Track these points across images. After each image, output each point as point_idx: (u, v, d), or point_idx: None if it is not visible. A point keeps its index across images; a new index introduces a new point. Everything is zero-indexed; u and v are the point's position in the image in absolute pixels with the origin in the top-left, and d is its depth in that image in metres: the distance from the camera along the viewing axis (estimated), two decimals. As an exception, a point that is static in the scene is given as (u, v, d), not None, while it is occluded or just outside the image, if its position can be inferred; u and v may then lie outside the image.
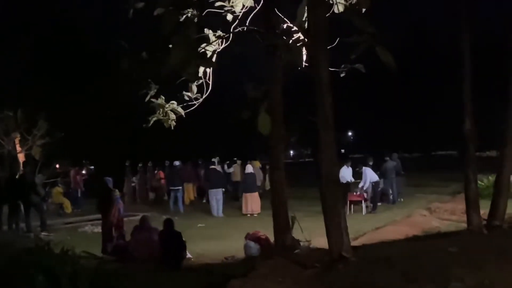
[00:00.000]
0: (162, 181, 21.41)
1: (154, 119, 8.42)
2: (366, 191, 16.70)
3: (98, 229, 12.48)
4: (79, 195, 20.76)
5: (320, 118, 6.21)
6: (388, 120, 46.94)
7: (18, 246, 8.15)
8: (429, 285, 4.61)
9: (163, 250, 9.13)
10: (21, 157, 20.09)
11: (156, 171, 22.32)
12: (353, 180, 17.00)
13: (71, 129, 21.76)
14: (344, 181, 15.60)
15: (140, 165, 23.33)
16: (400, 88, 39.98)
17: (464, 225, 11.30)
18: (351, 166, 17.51)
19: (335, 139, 6.33)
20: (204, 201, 20.03)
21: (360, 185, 16.79)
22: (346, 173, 16.54)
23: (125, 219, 13.19)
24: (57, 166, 22.82)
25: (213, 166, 18.87)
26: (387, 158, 18.64)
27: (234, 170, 21.60)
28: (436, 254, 5.55)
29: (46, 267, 6.05)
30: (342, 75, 8.55)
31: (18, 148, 20.28)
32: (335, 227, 6.08)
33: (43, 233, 13.47)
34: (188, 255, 10.04)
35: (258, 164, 20.99)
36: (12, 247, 8.13)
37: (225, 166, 21.90)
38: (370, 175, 16.87)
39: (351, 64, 8.34)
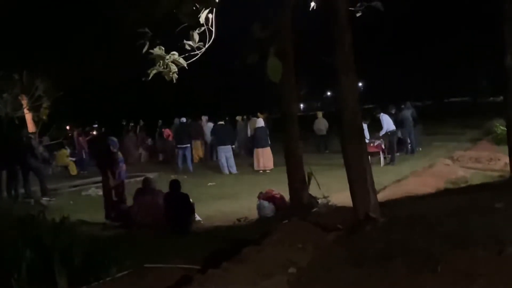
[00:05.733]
0: (170, 138, 20.62)
1: (154, 71, 7.57)
2: (382, 141, 15.94)
3: (103, 192, 11.87)
4: (84, 156, 20.13)
5: (340, 59, 5.34)
6: (396, 69, 46.06)
7: (15, 214, 7.52)
8: (480, 250, 3.79)
9: (169, 213, 8.46)
10: (28, 120, 19.54)
11: (162, 130, 21.63)
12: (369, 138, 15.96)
13: (71, 89, 20.95)
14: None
15: (131, 124, 22.70)
16: (407, 34, 38.76)
17: (493, 174, 10.63)
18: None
19: (356, 84, 5.51)
20: (215, 159, 19.06)
21: (381, 133, 16.04)
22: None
23: (131, 180, 12.60)
24: (68, 127, 22.33)
25: (220, 122, 18.04)
26: (403, 106, 17.97)
27: (238, 127, 20.77)
28: (481, 211, 4.73)
29: (35, 239, 5.41)
30: (358, 14, 7.62)
31: (26, 111, 19.71)
32: (360, 183, 5.31)
33: (44, 198, 12.89)
34: (197, 217, 9.42)
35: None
36: (9, 215, 7.52)
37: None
38: (387, 122, 16.05)
39: (368, 2, 7.42)
